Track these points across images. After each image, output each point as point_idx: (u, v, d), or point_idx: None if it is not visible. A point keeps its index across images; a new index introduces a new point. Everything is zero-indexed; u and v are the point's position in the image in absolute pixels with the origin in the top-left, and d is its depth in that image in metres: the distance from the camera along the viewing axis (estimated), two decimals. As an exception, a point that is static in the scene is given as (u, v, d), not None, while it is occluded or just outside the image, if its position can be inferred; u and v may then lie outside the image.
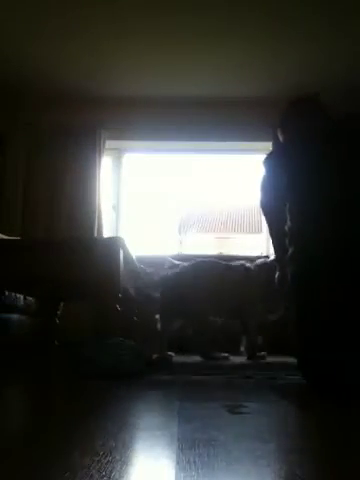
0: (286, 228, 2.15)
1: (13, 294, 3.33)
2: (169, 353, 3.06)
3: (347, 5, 3.61)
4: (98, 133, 4.88)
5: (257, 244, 8.48)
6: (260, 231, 6.52)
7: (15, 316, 3.44)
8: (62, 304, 3.40)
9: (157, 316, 3.32)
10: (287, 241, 2.14)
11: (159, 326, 3.27)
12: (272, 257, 2.92)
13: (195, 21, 3.84)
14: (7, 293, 3.25)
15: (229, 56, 4.31)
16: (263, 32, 3.94)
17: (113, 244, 2.72)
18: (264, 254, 5.16)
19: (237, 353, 3.26)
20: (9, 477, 0.73)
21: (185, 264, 3.34)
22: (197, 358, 3.06)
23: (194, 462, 0.80)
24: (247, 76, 4.60)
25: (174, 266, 3.50)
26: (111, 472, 0.73)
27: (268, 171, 2.35)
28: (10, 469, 0.77)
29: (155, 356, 2.40)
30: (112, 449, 0.86)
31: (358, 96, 4.54)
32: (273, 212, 2.28)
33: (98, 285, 2.63)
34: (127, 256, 2.90)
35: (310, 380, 1.89)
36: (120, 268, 2.65)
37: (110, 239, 3.29)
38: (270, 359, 3.07)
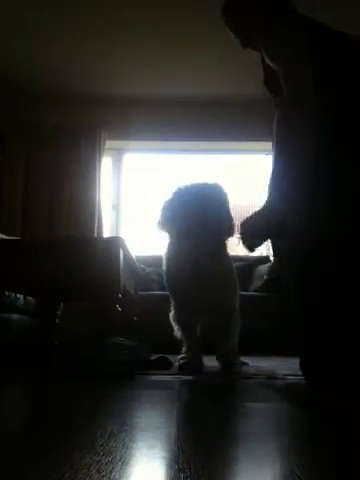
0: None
1: (13, 294, 3.33)
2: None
3: (346, 3, 3.61)
4: (98, 133, 4.89)
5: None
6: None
7: (15, 316, 3.44)
8: (62, 304, 3.40)
9: None
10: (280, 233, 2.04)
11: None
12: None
13: (195, 21, 3.84)
14: (7, 293, 3.25)
15: (229, 56, 4.31)
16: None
17: (113, 244, 2.72)
18: (264, 254, 5.16)
19: None
20: (8, 477, 0.73)
21: None
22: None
23: (194, 462, 0.80)
24: (247, 76, 4.60)
25: None
26: (111, 472, 0.73)
27: None
28: (9, 469, 0.77)
29: (155, 356, 2.40)
30: (112, 449, 0.86)
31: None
32: None
33: (98, 285, 2.63)
34: (127, 256, 2.90)
35: (312, 378, 1.89)
36: (120, 268, 2.65)
37: (110, 239, 3.29)
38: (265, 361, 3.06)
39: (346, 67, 1.97)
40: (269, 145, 4.73)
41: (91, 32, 3.97)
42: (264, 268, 4.51)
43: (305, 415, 1.30)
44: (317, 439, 1.02)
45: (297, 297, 2.00)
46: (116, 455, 0.82)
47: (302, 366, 1.93)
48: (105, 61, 4.39)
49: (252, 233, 2.07)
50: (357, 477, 0.75)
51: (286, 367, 2.34)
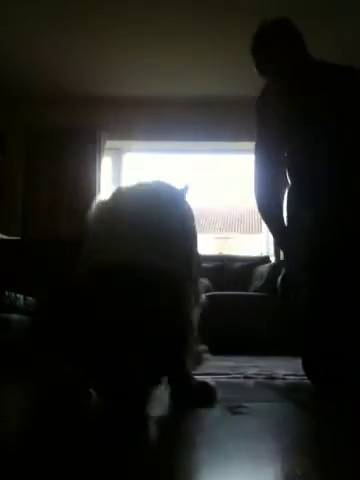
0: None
1: (13, 294, 3.33)
2: None
3: (345, 1, 3.61)
4: (98, 133, 4.89)
5: (257, 244, 8.49)
6: (260, 231, 6.53)
7: (15, 316, 3.44)
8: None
9: None
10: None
11: None
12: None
13: (195, 21, 3.84)
14: (7, 293, 3.24)
15: (229, 56, 4.31)
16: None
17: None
18: (264, 254, 5.16)
19: None
20: (7, 477, 0.73)
21: None
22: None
23: (194, 462, 0.80)
24: (247, 76, 4.59)
25: None
26: (111, 472, 0.73)
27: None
28: (9, 469, 0.77)
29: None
30: (112, 449, 0.86)
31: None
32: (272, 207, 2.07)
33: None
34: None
35: (314, 378, 1.89)
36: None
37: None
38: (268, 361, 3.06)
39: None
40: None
41: (91, 32, 3.97)
42: (264, 268, 4.51)
43: (305, 415, 1.30)
44: (317, 439, 1.02)
45: (301, 297, 2.00)
46: (115, 455, 0.82)
47: (305, 366, 1.93)
48: (105, 61, 4.38)
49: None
50: (357, 477, 0.75)
51: (286, 367, 2.34)
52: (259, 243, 6.28)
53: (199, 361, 1.72)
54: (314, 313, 1.93)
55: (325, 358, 1.84)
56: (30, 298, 3.55)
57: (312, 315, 1.93)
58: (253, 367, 2.49)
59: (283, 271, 2.20)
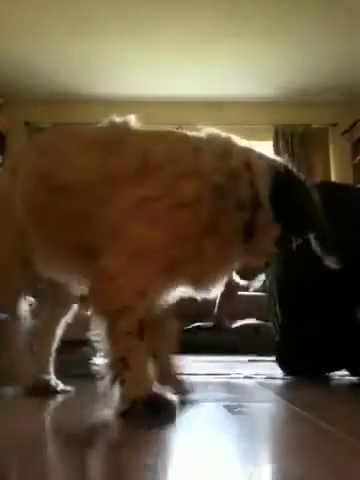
0: None
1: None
2: None
3: (346, 5, 3.62)
4: (98, 133, 4.89)
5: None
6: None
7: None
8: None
9: None
10: None
11: None
12: None
13: (196, 22, 3.84)
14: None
15: (230, 56, 4.30)
16: (263, 33, 3.94)
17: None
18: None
19: None
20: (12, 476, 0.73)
21: None
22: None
23: (194, 462, 0.80)
24: (248, 76, 4.59)
25: None
26: (111, 472, 0.73)
27: None
28: (11, 468, 0.77)
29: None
30: (112, 448, 0.86)
31: (358, 94, 4.54)
32: None
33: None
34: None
35: (287, 370, 2.08)
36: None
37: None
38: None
39: None
40: (269, 144, 4.76)
41: (91, 32, 3.97)
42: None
43: (305, 415, 1.30)
44: (317, 439, 1.01)
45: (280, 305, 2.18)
46: (116, 454, 0.82)
47: (278, 360, 2.13)
48: (105, 61, 4.39)
49: None
50: (357, 477, 0.75)
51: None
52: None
53: None
54: (291, 317, 2.07)
55: (299, 354, 2.02)
56: (30, 298, 3.55)
57: (290, 318, 2.08)
58: (253, 367, 2.50)
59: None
